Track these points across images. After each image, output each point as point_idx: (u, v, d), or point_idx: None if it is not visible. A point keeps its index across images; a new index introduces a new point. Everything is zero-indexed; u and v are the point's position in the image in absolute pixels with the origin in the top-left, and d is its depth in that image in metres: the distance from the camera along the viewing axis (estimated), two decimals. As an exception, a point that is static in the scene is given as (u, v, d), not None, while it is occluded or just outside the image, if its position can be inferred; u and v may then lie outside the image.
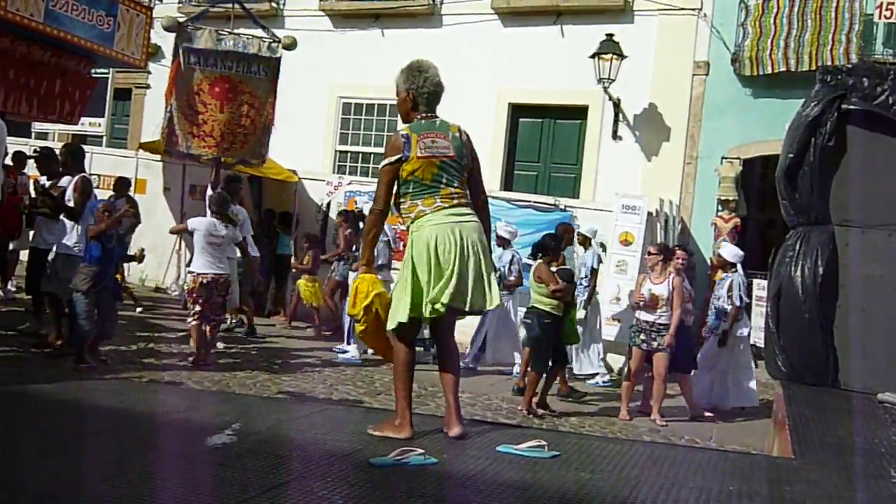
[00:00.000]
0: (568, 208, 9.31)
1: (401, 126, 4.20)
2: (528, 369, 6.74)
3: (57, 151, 7.70)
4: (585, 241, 8.32)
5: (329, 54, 12.80)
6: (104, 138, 13.57)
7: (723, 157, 10.33)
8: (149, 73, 12.24)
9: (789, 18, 9.89)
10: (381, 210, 4.10)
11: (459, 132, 4.15)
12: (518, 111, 11.79)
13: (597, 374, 8.29)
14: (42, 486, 3.12)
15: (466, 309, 4.02)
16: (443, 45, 11.99)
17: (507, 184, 11.63)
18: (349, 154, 12.90)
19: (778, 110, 9.44)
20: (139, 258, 6.63)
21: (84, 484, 3.20)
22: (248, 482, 3.27)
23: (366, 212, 5.50)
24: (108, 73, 12.51)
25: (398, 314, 3.98)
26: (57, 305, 6.50)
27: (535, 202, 9.58)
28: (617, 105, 10.75)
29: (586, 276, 8.08)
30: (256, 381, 6.41)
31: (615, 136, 10.83)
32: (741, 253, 7.62)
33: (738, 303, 7.18)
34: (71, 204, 6.51)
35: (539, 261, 6.77)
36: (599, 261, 8.28)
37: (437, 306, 3.89)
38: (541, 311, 6.62)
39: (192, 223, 6.89)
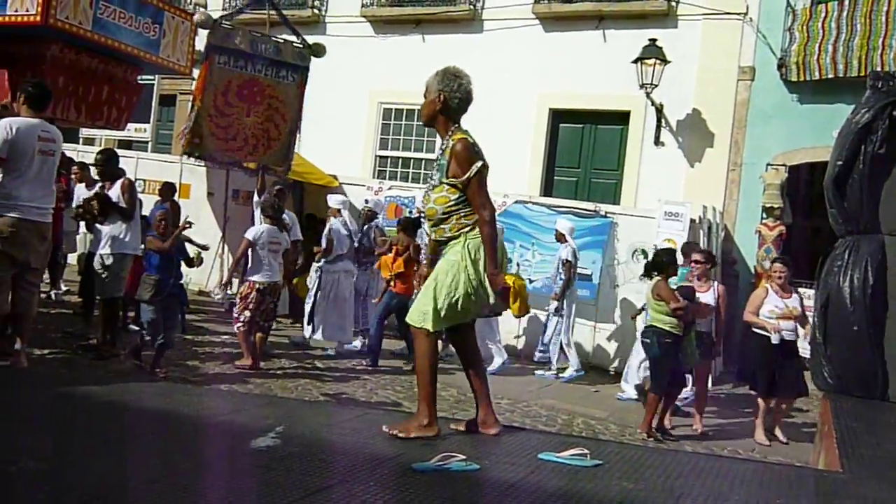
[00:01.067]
0: (609, 214, 9.24)
1: (459, 134, 4.15)
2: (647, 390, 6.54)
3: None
4: (561, 237, 8.55)
5: (370, 60, 12.90)
6: (150, 143, 13.87)
7: (768, 164, 10.16)
8: (193, 79, 12.43)
9: (838, 23, 9.69)
10: (494, 212, 4.17)
11: None
12: (559, 116, 11.74)
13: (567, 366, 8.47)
14: (90, 487, 3.18)
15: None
16: (484, 51, 12.02)
17: (547, 189, 11.59)
18: (389, 159, 12.96)
19: (825, 116, 9.26)
20: (198, 261, 6.69)
21: (131, 485, 3.25)
22: (292, 485, 3.30)
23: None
24: (153, 80, 12.79)
25: (451, 316, 4.03)
26: (110, 308, 6.64)
27: (574, 208, 9.52)
28: (660, 110, 10.65)
29: (562, 270, 8.36)
30: (298, 384, 6.47)
31: (657, 141, 10.72)
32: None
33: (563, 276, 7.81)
34: (122, 205, 6.66)
35: (657, 278, 6.49)
36: (574, 255, 8.46)
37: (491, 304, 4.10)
38: (660, 330, 6.35)
39: (252, 234, 6.88)
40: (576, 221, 9.20)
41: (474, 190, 4.05)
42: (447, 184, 4.13)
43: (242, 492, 3.23)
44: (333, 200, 8.57)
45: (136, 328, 7.90)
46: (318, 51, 8.31)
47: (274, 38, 7.93)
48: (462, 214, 4.09)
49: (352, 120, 12.92)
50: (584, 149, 11.62)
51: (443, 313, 4.01)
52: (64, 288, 9.29)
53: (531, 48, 11.69)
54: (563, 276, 8.34)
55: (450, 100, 4.15)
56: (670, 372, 6.38)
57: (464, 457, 3.59)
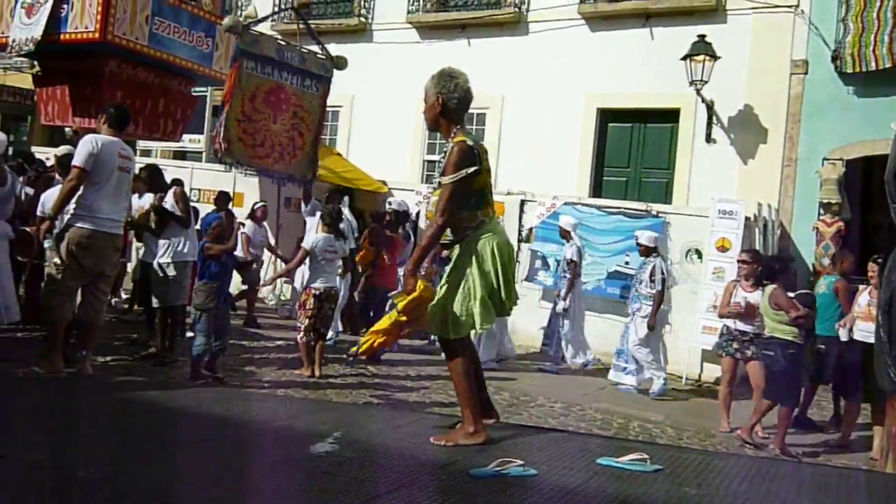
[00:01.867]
0: (660, 214, 9.12)
1: (459, 136, 4.06)
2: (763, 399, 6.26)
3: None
4: (566, 234, 8.50)
5: (415, 66, 12.92)
6: (203, 154, 14.16)
7: (824, 159, 9.91)
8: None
9: (894, 12, 9.40)
10: (447, 224, 3.99)
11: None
12: (607, 116, 11.63)
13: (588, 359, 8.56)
14: (155, 492, 3.26)
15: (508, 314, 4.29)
16: (529, 53, 12.00)
17: (596, 190, 11.49)
18: (436, 164, 12.98)
19: (882, 108, 9.00)
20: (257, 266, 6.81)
21: (194, 490, 3.33)
22: (351, 491, 3.33)
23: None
24: (206, 91, 13.06)
25: (471, 321, 4.00)
26: (172, 316, 6.81)
27: (625, 208, 9.42)
28: (710, 107, 10.47)
29: (566, 269, 8.37)
30: (352, 388, 6.52)
31: (709, 139, 10.55)
32: (657, 236, 7.99)
33: (659, 287, 7.57)
34: (178, 213, 6.83)
35: (773, 287, 6.26)
36: (579, 253, 8.45)
37: (505, 312, 4.16)
38: (783, 340, 6.09)
39: (309, 242, 6.96)
40: (627, 222, 9.11)
41: (444, 192, 3.95)
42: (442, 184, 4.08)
43: (302, 497, 3.27)
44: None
45: (192, 334, 8.10)
46: (341, 63, 8.38)
47: (299, 48, 8.00)
48: (461, 217, 4.03)
49: (399, 125, 13.00)
50: (634, 148, 11.49)
51: (462, 319, 4.01)
52: (124, 296, 9.53)
53: (577, 49, 11.61)
54: (568, 276, 8.34)
55: (448, 101, 4.09)
56: (797, 382, 6.18)
57: (521, 462, 3.58)
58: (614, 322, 9.07)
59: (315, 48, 9.12)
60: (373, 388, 6.63)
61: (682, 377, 8.49)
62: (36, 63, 9.72)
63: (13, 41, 8.15)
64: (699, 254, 8.74)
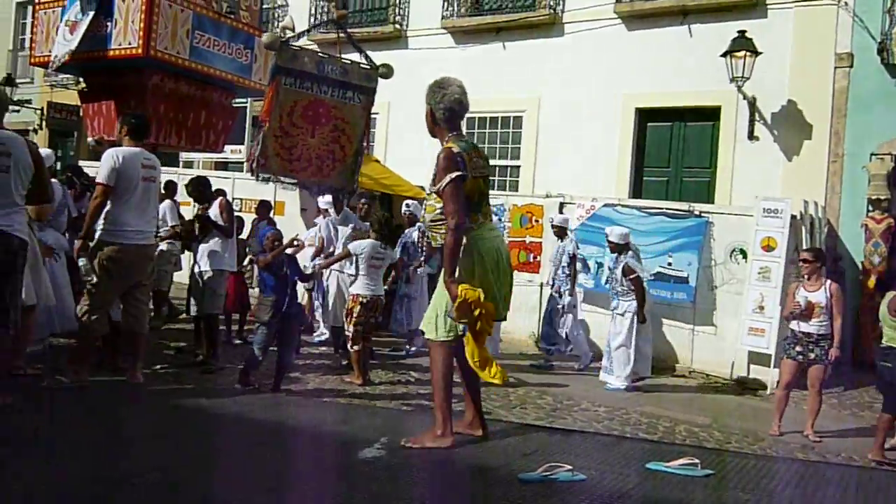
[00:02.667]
0: (703, 214, 8.98)
1: (447, 143, 4.19)
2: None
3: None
4: (562, 232, 8.58)
5: (450, 71, 12.84)
6: (244, 164, 14.34)
7: (872, 154, 9.67)
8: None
9: (942, 1, 9.17)
10: (461, 224, 4.04)
11: (482, 151, 4.34)
12: (645, 116, 11.51)
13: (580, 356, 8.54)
14: (205, 497, 3.31)
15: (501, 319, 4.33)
16: (565, 54, 11.94)
17: (636, 191, 11.37)
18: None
19: (933, 100, 8.76)
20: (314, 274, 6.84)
21: (244, 495, 3.37)
22: (400, 496, 3.35)
23: None
24: (246, 102, 13.24)
25: (452, 325, 4.11)
26: (211, 324, 6.90)
27: (667, 209, 9.29)
28: (752, 104, 10.30)
29: (568, 264, 8.38)
30: (395, 394, 6.51)
31: (751, 136, 10.37)
32: (627, 231, 8.02)
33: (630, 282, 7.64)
34: (221, 223, 6.92)
35: (893, 293, 5.95)
36: (577, 247, 8.57)
37: (497, 316, 4.14)
38: None
39: (355, 247, 6.93)
40: (669, 222, 9.00)
41: (445, 198, 4.05)
42: (434, 192, 4.18)
43: (352, 502, 3.30)
44: (322, 202, 8.82)
45: (239, 341, 8.20)
46: (386, 73, 8.34)
47: (341, 59, 8.01)
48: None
49: (436, 130, 13.01)
50: (674, 147, 11.35)
51: (446, 321, 4.08)
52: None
53: (614, 48, 11.52)
54: (567, 272, 8.40)
55: (436, 111, 4.26)
56: None
57: (570, 467, 3.57)
58: (657, 325, 8.96)
59: (354, 57, 9.17)
60: (417, 393, 6.62)
61: (727, 379, 8.35)
62: (82, 80, 9.96)
63: (55, 57, 8.37)
64: (744, 254, 8.59)
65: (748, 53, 9.92)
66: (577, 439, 4.39)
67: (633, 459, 3.91)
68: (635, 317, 7.67)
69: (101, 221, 5.42)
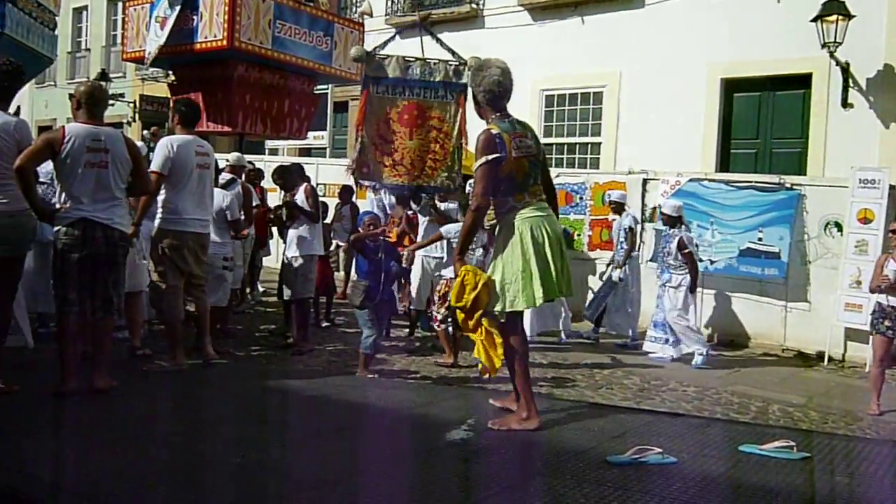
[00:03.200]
0: (795, 187, 8.65)
1: (489, 125, 4.25)
2: None
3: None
4: (620, 208, 8.64)
5: (529, 48, 12.85)
6: (327, 150, 14.64)
7: (978, 117, 9.11)
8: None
9: None
10: (484, 205, 4.16)
11: (533, 131, 4.39)
12: (732, 86, 11.13)
13: (626, 339, 8.32)
14: (305, 477, 3.44)
15: (559, 297, 4.36)
16: (646, 25, 11.64)
17: (724, 164, 11.03)
18: (554, 146, 12.86)
19: None
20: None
21: (337, 475, 3.48)
22: (490, 478, 3.40)
23: None
24: (327, 89, 13.47)
25: (521, 299, 4.12)
26: (303, 307, 7.10)
27: (756, 182, 8.99)
28: (846, 70, 9.81)
29: (625, 239, 8.39)
30: (476, 374, 6.54)
31: (845, 103, 9.89)
32: (680, 204, 8.07)
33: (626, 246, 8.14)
34: (307, 209, 7.08)
35: None
36: (636, 221, 8.60)
37: (547, 296, 4.12)
38: None
39: (446, 230, 7.00)
40: (759, 196, 8.72)
41: (476, 179, 4.16)
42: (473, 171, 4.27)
43: (441, 484, 3.36)
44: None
45: (327, 323, 8.41)
46: (480, 67, 8.30)
47: (429, 61, 8.06)
48: (495, 202, 4.21)
49: (515, 110, 12.84)
50: (763, 118, 10.94)
51: (508, 300, 4.13)
52: (261, 289, 10.03)
53: (697, 17, 11.16)
54: (625, 245, 8.39)
55: (476, 94, 4.36)
56: None
57: (660, 450, 3.54)
58: (749, 301, 8.74)
59: (438, 52, 9.17)
60: (501, 375, 6.66)
61: (823, 357, 8.07)
62: (171, 72, 10.34)
63: (148, 53, 8.71)
64: (839, 227, 8.25)
65: (840, 17, 9.44)
66: (666, 421, 4.33)
67: (725, 442, 3.84)
68: (689, 290, 7.66)
69: (159, 210, 5.57)
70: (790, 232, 8.44)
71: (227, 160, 8.34)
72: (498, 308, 4.18)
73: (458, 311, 4.25)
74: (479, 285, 4.10)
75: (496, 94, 4.30)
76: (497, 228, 4.32)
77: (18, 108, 5.41)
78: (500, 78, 4.29)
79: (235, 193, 7.12)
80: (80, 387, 4.67)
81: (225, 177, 7.50)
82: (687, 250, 7.60)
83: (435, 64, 8.00)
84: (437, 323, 6.81)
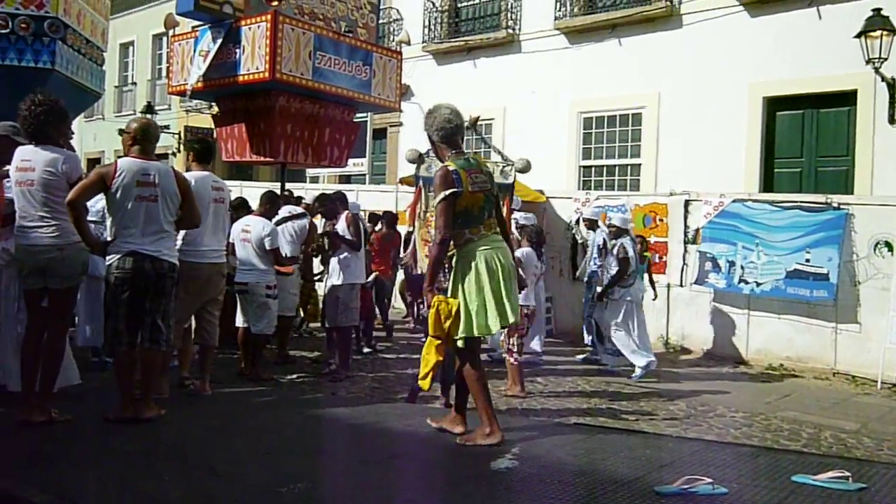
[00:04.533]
0: (842, 206, 8.47)
1: (446, 162, 4.56)
2: None
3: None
4: (593, 225, 8.73)
5: (566, 71, 12.88)
6: (366, 176, 14.79)
7: None
8: (401, 111, 13.13)
9: None
10: (446, 239, 4.44)
11: (486, 167, 4.66)
12: (774, 104, 10.98)
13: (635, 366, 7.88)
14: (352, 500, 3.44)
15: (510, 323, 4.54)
16: (684, 46, 11.59)
17: (767, 184, 10.86)
18: (593, 168, 12.83)
19: None
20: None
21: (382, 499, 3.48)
22: (536, 509, 3.36)
23: None
24: (366, 117, 13.64)
25: (477, 327, 4.40)
26: (344, 335, 7.14)
27: (802, 202, 8.84)
28: (892, 85, 9.63)
29: (598, 255, 8.41)
30: (516, 398, 6.49)
31: (892, 120, 9.70)
32: (630, 217, 8.49)
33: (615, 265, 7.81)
34: (348, 237, 7.13)
35: None
36: (633, 242, 8.18)
37: (502, 322, 4.40)
38: None
39: (522, 254, 6.85)
40: (805, 216, 8.56)
41: (436, 214, 4.45)
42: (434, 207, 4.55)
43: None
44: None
45: (368, 350, 8.43)
46: (524, 168, 8.40)
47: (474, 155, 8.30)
48: (454, 235, 4.47)
49: (553, 133, 12.95)
50: (807, 136, 10.77)
51: (466, 328, 4.39)
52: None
53: (736, 37, 11.07)
54: (599, 263, 8.34)
55: (431, 136, 4.67)
56: None
57: (710, 480, 3.47)
58: (797, 324, 8.55)
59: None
60: (539, 401, 6.60)
61: (876, 381, 7.84)
62: (214, 104, 10.55)
63: (189, 85, 8.91)
64: (889, 246, 8.06)
65: (885, 32, 9.29)
66: (714, 449, 4.25)
67: (776, 471, 3.75)
68: (633, 302, 7.80)
69: (178, 242, 5.59)
70: (838, 252, 8.27)
71: (303, 198, 9.19)
72: (459, 335, 4.44)
73: (433, 339, 4.50)
74: (453, 313, 4.38)
75: (448, 130, 4.60)
76: (455, 259, 4.57)
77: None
78: (450, 116, 4.62)
79: (300, 227, 7.49)
80: (133, 416, 4.78)
81: (294, 209, 7.79)
82: (624, 256, 7.76)
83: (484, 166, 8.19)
84: (512, 355, 6.64)
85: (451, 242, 4.52)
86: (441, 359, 4.51)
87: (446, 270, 4.92)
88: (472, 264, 4.40)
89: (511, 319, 4.45)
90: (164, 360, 5.45)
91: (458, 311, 4.41)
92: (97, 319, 5.95)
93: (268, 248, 6.74)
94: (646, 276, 8.51)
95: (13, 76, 7.14)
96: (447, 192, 4.35)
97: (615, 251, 7.89)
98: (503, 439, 4.39)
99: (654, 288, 8.81)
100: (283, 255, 7.08)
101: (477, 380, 4.49)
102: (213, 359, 6.16)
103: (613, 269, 7.84)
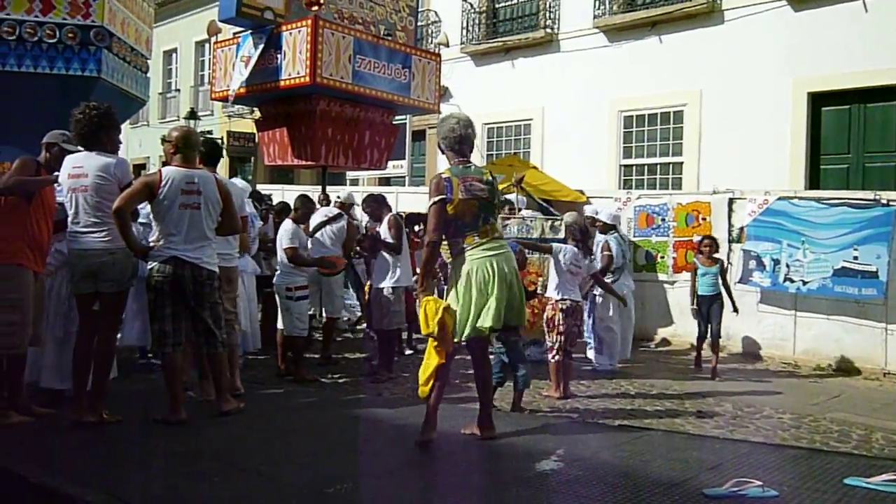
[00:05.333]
0: (891, 203, 8.27)
1: (443, 169, 4.77)
2: None
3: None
4: (606, 228, 8.26)
5: (606, 70, 12.80)
6: (406, 178, 14.85)
7: None
8: (440, 113, 13.14)
9: None
10: (435, 241, 4.63)
11: (491, 176, 4.76)
12: (819, 100, 10.79)
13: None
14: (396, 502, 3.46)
15: (500, 327, 4.62)
16: (726, 42, 11.44)
17: (813, 181, 10.66)
18: (634, 167, 12.72)
19: None
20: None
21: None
22: (582, 510, 3.34)
23: None
24: (405, 119, 13.70)
25: (461, 333, 4.57)
26: (387, 338, 7.18)
27: (848, 199, 8.64)
28: (942, 79, 9.41)
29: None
30: (555, 402, 6.45)
31: (943, 113, 9.47)
32: (618, 214, 8.63)
33: (600, 263, 7.72)
34: (389, 240, 7.15)
35: None
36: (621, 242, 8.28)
37: (481, 328, 4.51)
38: None
39: (559, 248, 6.72)
40: (852, 213, 8.37)
41: (428, 219, 4.62)
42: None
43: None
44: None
45: (410, 351, 8.46)
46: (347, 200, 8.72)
47: (525, 218, 8.52)
48: (450, 243, 4.68)
49: (593, 132, 12.88)
50: (853, 132, 10.55)
51: (465, 328, 4.53)
52: (346, 316, 10.19)
53: (780, 32, 10.89)
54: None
55: (440, 143, 4.86)
56: None
57: (760, 483, 3.41)
58: (846, 323, 8.36)
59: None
60: (583, 402, 6.55)
61: (928, 381, 7.65)
62: (256, 109, 10.70)
63: (231, 90, 9.04)
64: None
65: (935, 24, 9.06)
66: (763, 451, 4.18)
67: (828, 474, 3.67)
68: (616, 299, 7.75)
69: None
70: (888, 249, 8.07)
71: (339, 196, 9.00)
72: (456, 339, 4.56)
73: (430, 339, 4.59)
74: (440, 311, 4.46)
75: (452, 139, 4.74)
76: (451, 266, 4.77)
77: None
78: (455, 125, 4.75)
79: (339, 228, 7.50)
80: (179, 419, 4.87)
81: (331, 211, 7.82)
82: (608, 252, 7.82)
83: (531, 221, 8.21)
84: (552, 353, 6.57)
85: (450, 250, 4.74)
86: (442, 361, 4.57)
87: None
88: (464, 273, 4.56)
89: (489, 324, 4.51)
90: (229, 359, 5.52)
91: (446, 308, 4.51)
92: (145, 321, 6.04)
93: (284, 245, 6.78)
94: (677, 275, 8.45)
95: (62, 85, 7.34)
96: (436, 198, 4.55)
97: (599, 247, 7.88)
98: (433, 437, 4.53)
99: (731, 299, 8.11)
100: (310, 256, 7.00)
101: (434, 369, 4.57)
102: (225, 369, 5.63)
103: (598, 266, 7.72)
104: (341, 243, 7.62)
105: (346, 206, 8.70)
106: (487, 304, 4.51)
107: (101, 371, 4.89)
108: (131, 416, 5.03)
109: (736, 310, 8.12)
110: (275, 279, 6.97)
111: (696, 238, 8.89)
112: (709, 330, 8.01)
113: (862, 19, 10.18)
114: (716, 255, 8.22)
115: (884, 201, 8.32)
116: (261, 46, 8.76)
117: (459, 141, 4.75)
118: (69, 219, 4.94)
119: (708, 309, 8.01)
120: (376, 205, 7.48)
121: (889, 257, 8.07)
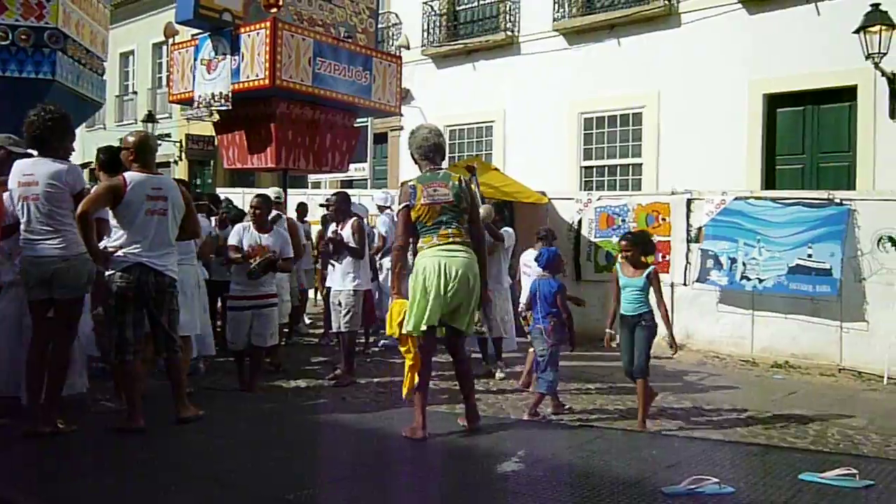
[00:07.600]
0: (844, 202, 8.46)
1: (410, 177, 5.00)
2: None
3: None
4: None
5: (566, 72, 12.89)
6: (368, 181, 14.81)
7: None
8: (401, 115, 13.14)
9: None
10: (401, 245, 4.92)
11: (460, 181, 4.84)
12: (774, 101, 10.99)
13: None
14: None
15: (440, 327, 4.79)
16: (683, 45, 11.60)
17: (769, 181, 10.86)
18: (594, 169, 12.83)
19: None
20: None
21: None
22: (543, 512, 3.36)
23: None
24: (367, 121, 13.66)
25: (415, 325, 4.70)
26: (349, 341, 7.14)
27: (804, 198, 8.83)
28: (892, 80, 9.63)
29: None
30: (527, 402, 6.48)
31: (893, 115, 9.70)
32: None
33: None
34: (352, 244, 7.10)
35: None
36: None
37: (422, 326, 4.64)
38: None
39: (526, 256, 6.99)
40: (807, 212, 8.55)
41: (397, 224, 4.95)
42: None
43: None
44: (378, 198, 9.49)
45: (376, 347, 8.41)
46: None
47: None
48: (414, 243, 4.91)
49: (554, 134, 12.97)
50: (808, 132, 10.77)
51: (407, 323, 4.69)
52: (308, 321, 10.12)
53: (736, 35, 11.08)
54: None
55: (412, 153, 5.04)
56: None
57: (717, 479, 3.46)
58: (801, 322, 8.52)
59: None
60: (545, 401, 6.57)
61: (883, 377, 7.83)
62: (215, 112, 10.56)
63: (199, 96, 8.90)
64: (893, 241, 8.03)
65: (884, 27, 9.29)
66: (721, 448, 4.24)
67: (784, 469, 3.74)
68: None
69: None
70: (841, 248, 8.25)
71: (279, 198, 8.74)
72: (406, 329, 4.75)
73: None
74: (402, 314, 4.70)
75: (426, 148, 4.93)
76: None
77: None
78: (428, 135, 4.97)
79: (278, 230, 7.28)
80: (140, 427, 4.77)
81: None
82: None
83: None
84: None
85: (414, 251, 4.93)
86: (412, 363, 4.70)
87: None
88: (416, 271, 4.73)
89: (424, 327, 4.63)
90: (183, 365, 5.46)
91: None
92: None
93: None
94: None
95: (14, 88, 7.17)
96: (402, 205, 4.80)
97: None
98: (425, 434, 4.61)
99: (666, 321, 5.70)
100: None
101: (410, 369, 4.76)
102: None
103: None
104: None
105: (278, 205, 8.48)
106: (429, 303, 4.64)
107: (55, 380, 4.77)
108: (89, 425, 4.92)
109: (673, 347, 5.71)
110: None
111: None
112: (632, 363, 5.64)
113: (815, 22, 10.40)
114: (645, 260, 5.82)
115: (837, 200, 8.51)
116: (228, 54, 8.64)
117: (433, 150, 4.94)
118: (21, 226, 4.82)
119: (630, 334, 5.64)
120: (340, 205, 7.39)
121: (843, 255, 8.25)
